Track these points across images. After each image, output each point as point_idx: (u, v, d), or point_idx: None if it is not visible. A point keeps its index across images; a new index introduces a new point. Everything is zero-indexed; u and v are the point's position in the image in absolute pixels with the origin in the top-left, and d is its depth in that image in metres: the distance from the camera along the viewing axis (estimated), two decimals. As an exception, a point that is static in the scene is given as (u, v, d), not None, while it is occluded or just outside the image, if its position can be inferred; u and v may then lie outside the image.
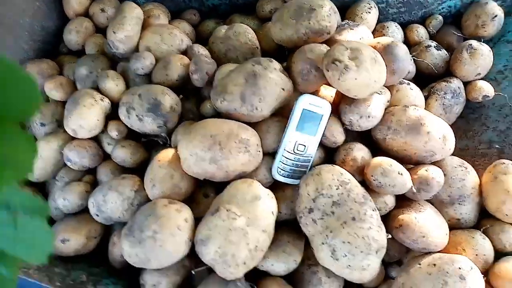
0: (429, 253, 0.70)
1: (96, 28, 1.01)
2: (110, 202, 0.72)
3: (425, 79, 0.90)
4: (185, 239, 0.65)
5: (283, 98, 0.72)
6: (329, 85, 0.73)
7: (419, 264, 0.68)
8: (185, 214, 0.65)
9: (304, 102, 0.70)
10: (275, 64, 0.73)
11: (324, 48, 0.74)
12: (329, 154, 0.77)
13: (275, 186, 0.74)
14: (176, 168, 0.71)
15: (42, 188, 0.87)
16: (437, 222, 0.71)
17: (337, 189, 0.65)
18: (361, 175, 0.72)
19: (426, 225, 0.69)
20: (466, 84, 0.88)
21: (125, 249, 0.65)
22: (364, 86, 0.66)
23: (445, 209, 0.76)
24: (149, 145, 0.83)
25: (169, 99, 0.78)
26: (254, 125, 0.73)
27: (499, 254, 0.73)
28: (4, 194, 0.40)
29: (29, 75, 0.29)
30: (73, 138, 0.81)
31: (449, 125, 0.84)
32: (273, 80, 0.70)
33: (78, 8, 1.01)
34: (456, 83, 0.86)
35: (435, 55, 0.90)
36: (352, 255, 0.62)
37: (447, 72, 0.91)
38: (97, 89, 0.84)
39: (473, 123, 0.89)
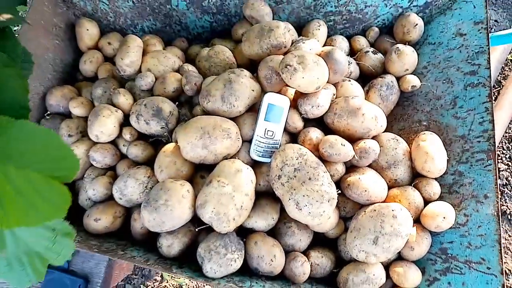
0: (373, 204, 0.93)
1: (105, 58, 1.26)
2: (129, 187, 0.95)
3: (367, 78, 1.15)
4: (189, 205, 0.87)
5: (254, 97, 0.97)
6: (288, 85, 0.97)
7: (364, 211, 0.91)
8: (187, 187, 0.89)
9: (268, 98, 0.95)
10: (246, 72, 0.98)
11: (281, 57, 0.99)
12: (293, 137, 1.01)
13: (253, 165, 0.98)
14: (177, 156, 0.94)
15: (71, 187, 1.10)
16: (376, 180, 0.95)
17: (297, 159, 0.89)
18: (317, 150, 0.96)
19: (367, 182, 0.92)
20: (399, 78, 1.13)
21: (144, 217, 0.88)
22: (309, 83, 0.91)
23: (385, 173, 1.00)
24: (155, 144, 1.07)
25: (168, 106, 1.02)
26: (233, 119, 0.97)
27: (427, 202, 0.97)
28: (52, 223, 0.65)
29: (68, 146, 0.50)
30: (95, 143, 1.05)
31: (388, 112, 1.09)
32: (244, 84, 0.95)
33: (89, 43, 1.25)
34: (389, 78, 1.10)
35: (373, 58, 1.15)
36: (311, 204, 0.85)
37: (383, 71, 1.16)
38: (112, 104, 1.08)
39: (407, 109, 1.14)
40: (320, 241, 1.02)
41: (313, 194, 0.85)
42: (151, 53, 1.13)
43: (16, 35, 0.90)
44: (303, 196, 0.85)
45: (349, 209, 0.99)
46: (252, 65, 1.16)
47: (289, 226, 0.96)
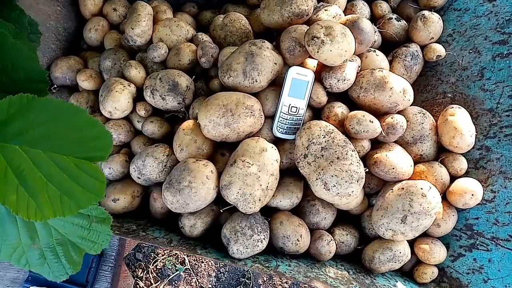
0: (399, 181, 0.91)
1: (110, 25, 1.18)
2: (148, 166, 0.92)
3: (390, 46, 1.10)
4: (213, 186, 0.85)
5: (276, 71, 0.92)
6: (311, 57, 0.92)
7: (392, 189, 0.89)
8: (210, 167, 0.85)
9: (293, 72, 0.90)
10: (267, 44, 0.92)
11: (304, 28, 0.93)
12: (316, 113, 0.97)
13: (276, 142, 0.94)
14: (197, 134, 0.90)
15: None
16: (403, 157, 0.92)
17: (324, 137, 0.86)
18: (342, 126, 0.93)
19: (395, 159, 0.90)
20: (423, 47, 1.08)
21: (167, 199, 0.85)
22: (337, 55, 0.86)
23: (410, 148, 0.97)
24: (171, 119, 1.02)
25: (184, 80, 0.96)
26: (255, 94, 0.92)
27: (453, 178, 0.95)
28: (87, 209, 0.60)
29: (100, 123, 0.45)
30: (108, 119, 1.00)
31: (411, 82, 1.05)
32: (267, 57, 0.89)
33: (93, 9, 1.17)
34: (414, 47, 1.05)
35: (396, 26, 1.09)
36: (340, 184, 0.82)
37: (407, 39, 1.10)
38: (122, 76, 1.03)
39: (430, 79, 1.09)
40: (343, 217, 1.01)
41: (342, 174, 0.82)
42: (162, 22, 1.06)
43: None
44: (332, 176, 0.82)
45: (374, 185, 0.97)
46: (267, 34, 1.10)
47: (313, 204, 0.94)
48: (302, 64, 0.96)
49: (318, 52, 0.85)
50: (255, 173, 0.83)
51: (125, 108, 0.98)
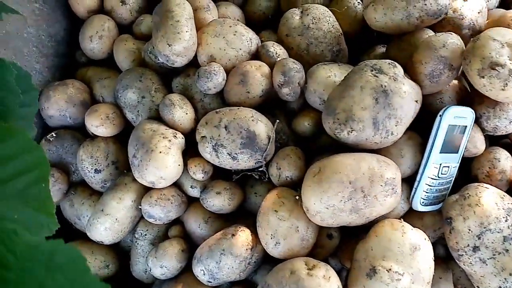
0: None
1: (118, 26, 0.80)
2: (225, 268, 0.60)
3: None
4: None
5: (416, 112, 0.59)
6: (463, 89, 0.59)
7: None
8: (334, 281, 0.54)
9: (449, 117, 0.57)
10: (400, 70, 0.58)
11: (457, 41, 0.59)
12: (463, 164, 0.66)
13: (410, 215, 0.63)
14: (299, 218, 0.59)
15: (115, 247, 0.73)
16: None
17: (505, 220, 0.55)
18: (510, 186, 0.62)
19: None
20: None
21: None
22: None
23: None
24: (242, 180, 0.69)
25: (263, 127, 0.62)
26: (383, 150, 0.60)
27: None
28: None
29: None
30: (148, 188, 0.66)
31: None
32: (407, 94, 0.56)
33: (91, 3, 0.78)
34: None
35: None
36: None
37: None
38: (158, 118, 0.68)
39: None
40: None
41: (543, 281, 0.53)
42: (211, 28, 0.69)
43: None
44: (526, 284, 0.53)
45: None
46: (361, 35, 0.76)
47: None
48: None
49: (503, 89, 0.53)
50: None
51: (174, 175, 0.64)
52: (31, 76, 0.47)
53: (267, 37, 0.77)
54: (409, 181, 0.62)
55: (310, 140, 0.69)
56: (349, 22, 0.74)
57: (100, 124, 0.69)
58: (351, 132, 0.56)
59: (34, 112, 0.48)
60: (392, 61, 0.59)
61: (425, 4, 0.61)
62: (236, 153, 0.62)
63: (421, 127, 0.62)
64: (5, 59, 0.42)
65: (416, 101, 0.58)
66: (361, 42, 0.76)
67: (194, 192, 0.68)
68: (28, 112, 0.47)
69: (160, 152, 0.62)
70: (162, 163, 0.61)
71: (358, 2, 0.74)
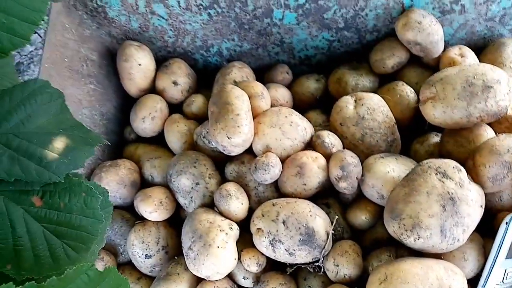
0: None
1: (169, 105, 0.81)
2: None
3: None
4: None
5: (481, 216, 0.58)
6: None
7: None
8: None
9: (516, 224, 0.57)
10: (466, 175, 0.58)
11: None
12: None
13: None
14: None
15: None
16: None
17: None
18: None
19: None
20: None
21: None
22: None
23: None
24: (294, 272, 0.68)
25: (321, 223, 0.62)
26: (446, 254, 0.59)
27: None
28: None
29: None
30: (200, 279, 0.65)
31: None
32: (475, 202, 0.56)
33: (143, 83, 0.79)
34: None
35: None
36: None
37: None
38: (211, 205, 0.68)
39: None
40: None
41: None
42: (267, 118, 0.69)
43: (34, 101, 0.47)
44: None
45: None
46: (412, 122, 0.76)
47: None
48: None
49: None
50: None
51: (230, 269, 0.63)
52: (108, 193, 0.47)
53: (315, 118, 0.79)
54: (470, 282, 0.61)
55: (365, 231, 0.68)
56: (401, 109, 0.74)
57: (153, 210, 0.69)
58: (418, 239, 0.55)
59: (107, 226, 0.49)
60: (456, 165, 0.58)
61: (486, 106, 0.61)
62: (294, 249, 0.61)
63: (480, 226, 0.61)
64: (97, 185, 0.42)
65: (481, 206, 0.57)
66: (412, 128, 0.76)
67: (247, 283, 0.67)
68: (103, 226, 0.47)
69: (218, 247, 0.61)
70: (219, 258, 0.61)
71: (411, 91, 0.75)
